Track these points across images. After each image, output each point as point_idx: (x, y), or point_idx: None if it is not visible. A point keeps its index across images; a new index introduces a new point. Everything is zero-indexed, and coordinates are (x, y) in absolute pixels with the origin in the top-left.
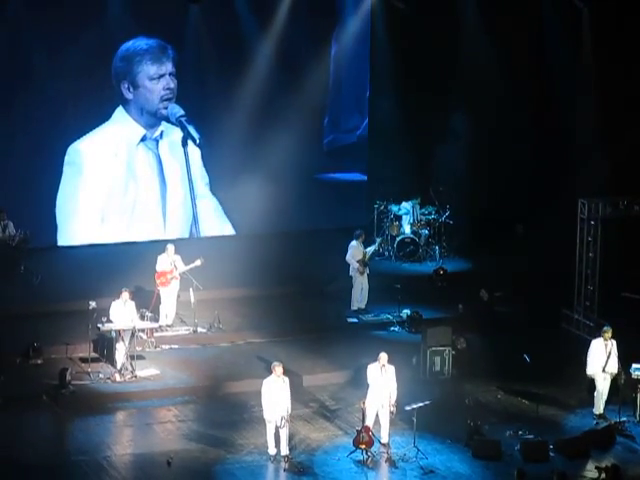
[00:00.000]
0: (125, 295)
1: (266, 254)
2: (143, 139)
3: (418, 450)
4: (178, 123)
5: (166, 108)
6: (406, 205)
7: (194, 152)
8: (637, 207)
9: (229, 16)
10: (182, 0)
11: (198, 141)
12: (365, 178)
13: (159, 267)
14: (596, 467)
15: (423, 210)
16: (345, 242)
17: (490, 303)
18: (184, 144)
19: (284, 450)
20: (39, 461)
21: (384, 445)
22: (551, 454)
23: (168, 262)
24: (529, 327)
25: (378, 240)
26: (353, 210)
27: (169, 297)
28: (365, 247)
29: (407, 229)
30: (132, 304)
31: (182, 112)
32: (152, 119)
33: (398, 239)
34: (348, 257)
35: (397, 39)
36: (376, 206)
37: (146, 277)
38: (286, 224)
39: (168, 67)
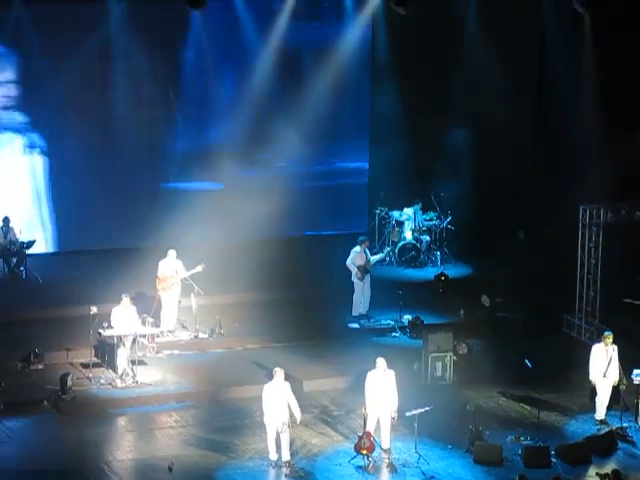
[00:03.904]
0: (126, 301)
1: (267, 259)
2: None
3: (419, 456)
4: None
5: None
6: (408, 211)
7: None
8: (638, 213)
9: (230, 22)
10: (183, 5)
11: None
12: (366, 182)
13: (160, 272)
14: (597, 473)
15: (425, 216)
16: (347, 248)
17: (491, 309)
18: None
19: (285, 455)
20: (40, 466)
21: (385, 451)
22: (553, 460)
23: (169, 267)
24: (530, 333)
25: (387, 250)
26: (355, 216)
27: (170, 302)
28: (370, 254)
29: (408, 235)
30: (133, 309)
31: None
32: None
33: (399, 245)
34: (348, 262)
35: (398, 45)
36: (377, 212)
37: (147, 283)
38: (288, 230)
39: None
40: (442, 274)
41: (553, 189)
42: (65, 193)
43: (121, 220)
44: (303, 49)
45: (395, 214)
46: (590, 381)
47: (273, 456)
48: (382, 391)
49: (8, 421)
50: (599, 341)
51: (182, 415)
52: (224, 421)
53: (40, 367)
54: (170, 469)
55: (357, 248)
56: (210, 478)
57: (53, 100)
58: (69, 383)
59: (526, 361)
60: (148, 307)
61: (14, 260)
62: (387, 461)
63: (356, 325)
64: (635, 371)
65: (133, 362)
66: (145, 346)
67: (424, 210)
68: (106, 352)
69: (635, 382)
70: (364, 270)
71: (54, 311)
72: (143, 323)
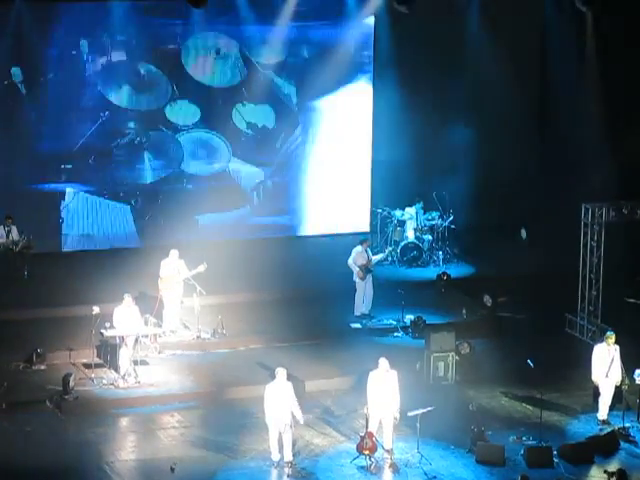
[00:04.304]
0: (128, 300)
1: (269, 259)
2: None
3: (422, 456)
4: None
5: None
6: (410, 210)
7: None
8: None
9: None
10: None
11: None
12: (368, 181)
13: (162, 272)
14: (605, 471)
15: (427, 215)
16: (349, 248)
17: (493, 308)
18: None
19: (287, 456)
20: (42, 467)
21: (387, 451)
22: (555, 460)
23: (171, 267)
24: (533, 332)
25: (388, 249)
26: (357, 215)
27: (172, 302)
28: (372, 254)
29: (410, 235)
30: (136, 309)
31: None
32: None
33: (402, 244)
34: (350, 261)
35: (400, 43)
36: (379, 211)
37: (149, 282)
38: (290, 230)
39: None
40: (444, 273)
41: (555, 188)
42: None
43: None
44: (304, 47)
45: (397, 213)
46: (592, 381)
47: (275, 456)
48: (384, 391)
49: (10, 421)
50: (601, 341)
51: (184, 415)
52: (226, 421)
53: (42, 367)
54: (172, 470)
55: (358, 248)
56: (212, 478)
57: None
58: (71, 383)
59: (528, 361)
60: (150, 307)
61: (16, 260)
62: (389, 461)
63: (358, 325)
64: (637, 371)
65: (135, 362)
66: (147, 346)
67: (426, 209)
68: (108, 352)
69: (637, 382)
70: (366, 270)
71: (56, 311)
72: (145, 323)
